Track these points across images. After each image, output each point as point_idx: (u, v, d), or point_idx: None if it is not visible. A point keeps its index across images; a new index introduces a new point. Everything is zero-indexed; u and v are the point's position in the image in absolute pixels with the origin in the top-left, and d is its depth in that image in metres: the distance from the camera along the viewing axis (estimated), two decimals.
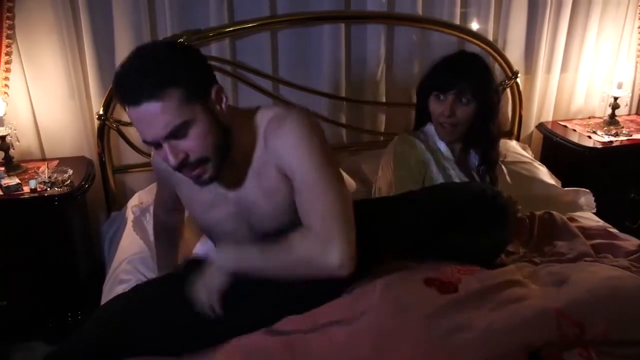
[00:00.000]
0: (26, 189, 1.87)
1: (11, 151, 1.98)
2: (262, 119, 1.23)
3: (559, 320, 1.14)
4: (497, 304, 1.21)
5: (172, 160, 1.12)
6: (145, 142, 1.14)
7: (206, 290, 1.19)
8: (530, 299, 1.24)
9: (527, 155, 2.42)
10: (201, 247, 1.62)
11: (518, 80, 2.47)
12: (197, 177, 1.17)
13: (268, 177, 1.23)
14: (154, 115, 1.07)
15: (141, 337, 1.22)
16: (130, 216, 1.96)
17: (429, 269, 1.32)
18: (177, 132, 1.10)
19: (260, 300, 1.26)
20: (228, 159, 1.19)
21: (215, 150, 1.15)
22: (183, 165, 1.14)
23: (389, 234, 1.39)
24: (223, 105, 1.16)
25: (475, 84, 1.68)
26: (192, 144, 1.12)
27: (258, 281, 1.20)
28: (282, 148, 1.18)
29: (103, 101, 2.07)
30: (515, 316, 1.16)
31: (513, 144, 2.48)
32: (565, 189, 2.23)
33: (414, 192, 1.52)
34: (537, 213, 1.87)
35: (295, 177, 1.18)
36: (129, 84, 1.09)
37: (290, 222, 1.23)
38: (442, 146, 1.78)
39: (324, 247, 1.12)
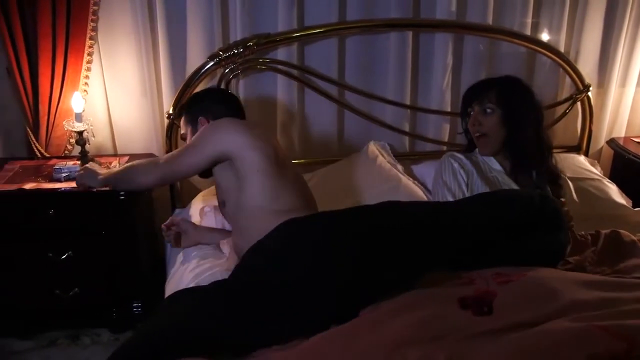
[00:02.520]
0: None
1: (87, 146, 2.07)
2: None
3: (602, 335, 1.06)
4: (533, 321, 1.14)
5: None
6: None
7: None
8: (572, 313, 1.16)
9: (595, 171, 2.33)
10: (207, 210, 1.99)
11: (589, 93, 2.39)
12: None
13: None
14: None
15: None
16: (195, 214, 2.01)
17: (464, 283, 1.29)
18: (184, 137, 1.86)
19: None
20: None
21: None
22: None
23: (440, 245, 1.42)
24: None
25: (497, 93, 1.76)
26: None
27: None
28: None
29: (173, 101, 2.14)
30: (549, 336, 1.09)
31: (581, 159, 2.39)
32: (636, 209, 2.14)
33: (466, 202, 1.57)
34: (604, 231, 1.80)
35: None
36: None
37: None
38: (491, 160, 1.83)
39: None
